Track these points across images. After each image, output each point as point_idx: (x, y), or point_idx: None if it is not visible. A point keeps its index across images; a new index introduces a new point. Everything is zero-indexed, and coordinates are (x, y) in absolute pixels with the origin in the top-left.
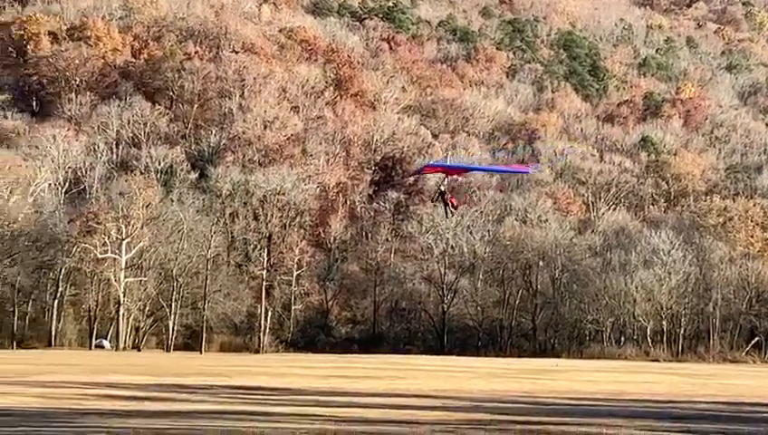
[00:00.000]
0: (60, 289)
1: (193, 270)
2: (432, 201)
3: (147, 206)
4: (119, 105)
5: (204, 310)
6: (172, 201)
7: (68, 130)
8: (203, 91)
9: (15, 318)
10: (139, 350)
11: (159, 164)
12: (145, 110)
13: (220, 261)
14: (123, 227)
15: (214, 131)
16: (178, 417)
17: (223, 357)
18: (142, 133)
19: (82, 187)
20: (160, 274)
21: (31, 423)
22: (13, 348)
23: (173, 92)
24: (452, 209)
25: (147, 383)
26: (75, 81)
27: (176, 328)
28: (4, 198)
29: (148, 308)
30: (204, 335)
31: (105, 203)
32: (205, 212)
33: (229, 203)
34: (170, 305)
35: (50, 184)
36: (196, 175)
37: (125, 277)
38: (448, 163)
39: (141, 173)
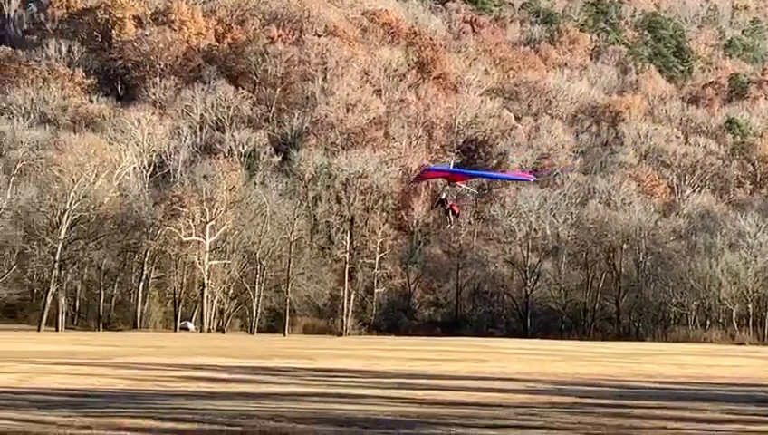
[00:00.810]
0: (145, 272)
1: (276, 253)
2: (433, 207)
3: (230, 189)
4: (202, 89)
5: (287, 293)
6: (255, 184)
7: (152, 113)
8: (286, 74)
9: (102, 300)
10: (224, 332)
11: (243, 147)
12: (228, 93)
13: (303, 244)
14: (207, 210)
15: (297, 115)
16: (263, 399)
17: (306, 339)
18: (226, 117)
19: (167, 170)
20: (244, 256)
21: (117, 404)
22: (99, 330)
23: (256, 76)
24: (453, 217)
25: (231, 365)
26: (159, 65)
27: (259, 311)
28: (90, 181)
29: (231, 291)
30: (287, 318)
31: (189, 186)
32: (288, 195)
33: (312, 186)
34: (254, 288)
35: (135, 167)
36: (280, 158)
37: (209, 260)
38: (450, 168)
39: (225, 157)
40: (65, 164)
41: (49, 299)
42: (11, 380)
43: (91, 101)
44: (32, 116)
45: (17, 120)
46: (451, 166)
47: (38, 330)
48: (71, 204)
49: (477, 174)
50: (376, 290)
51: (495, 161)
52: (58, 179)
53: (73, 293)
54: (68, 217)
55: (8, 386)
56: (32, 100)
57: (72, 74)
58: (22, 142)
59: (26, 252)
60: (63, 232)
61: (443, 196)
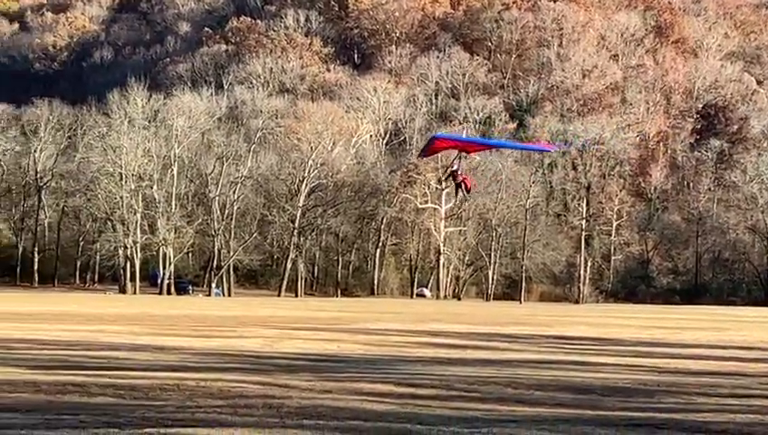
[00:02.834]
0: (381, 239)
1: (512, 220)
2: (442, 180)
3: (465, 156)
4: (438, 57)
5: (523, 260)
6: (491, 151)
7: (388, 81)
8: (521, 40)
9: (339, 267)
10: (459, 299)
11: (478, 114)
12: (463, 61)
13: (539, 211)
14: (443, 177)
15: (532, 81)
16: (500, 365)
17: (542, 307)
18: (461, 84)
19: (403, 138)
20: (479, 223)
21: (356, 369)
22: (337, 296)
23: (491, 43)
24: (464, 192)
25: (467, 332)
26: (395, 33)
27: (495, 277)
28: (328, 149)
29: (467, 258)
30: (523, 285)
31: None
32: (523, 162)
33: (547, 153)
34: (489, 255)
35: (371, 135)
36: (515, 125)
37: (445, 227)
38: (464, 137)
39: (460, 123)
40: (303, 132)
41: (288, 265)
42: (255, 344)
43: (329, 70)
44: (271, 85)
45: (257, 90)
46: (464, 135)
47: (278, 295)
48: (309, 172)
49: (493, 144)
50: (613, 257)
51: (736, 126)
52: (296, 148)
53: (312, 259)
54: (306, 184)
55: (253, 350)
56: (271, 69)
57: (309, 44)
58: (261, 111)
59: (266, 219)
60: (302, 199)
61: (454, 167)
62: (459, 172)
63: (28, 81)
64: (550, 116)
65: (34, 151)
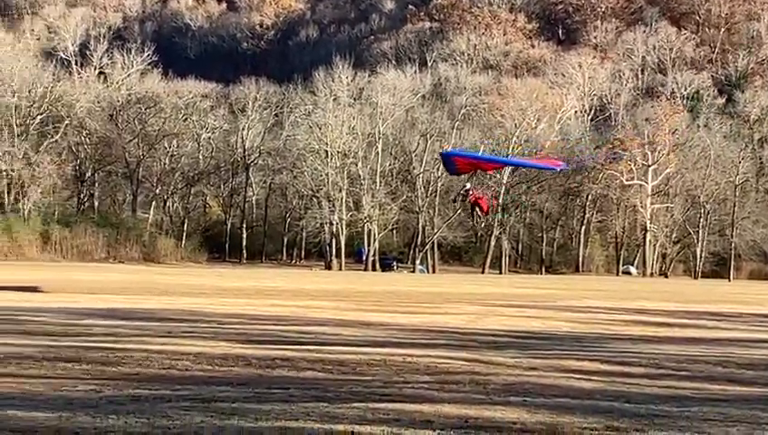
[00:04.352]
0: (586, 216)
1: (720, 197)
2: (453, 201)
3: (673, 132)
4: (644, 31)
5: (732, 237)
6: (699, 127)
7: (593, 57)
8: (730, 14)
9: (544, 244)
10: (666, 276)
11: (685, 90)
12: (671, 35)
13: (748, 187)
14: (649, 153)
15: (741, 55)
16: (709, 344)
17: (753, 285)
18: (668, 59)
19: (608, 114)
20: (687, 200)
21: (562, 346)
22: (542, 273)
23: (699, 16)
24: (480, 214)
25: (675, 310)
26: (600, 8)
27: (703, 255)
28: (532, 125)
29: (674, 235)
30: (732, 263)
31: (630, 130)
32: (732, 138)
33: (758, 128)
34: (697, 232)
35: (576, 111)
36: (723, 100)
37: (651, 204)
38: (479, 155)
39: (667, 99)
40: (507, 109)
41: (492, 242)
42: (460, 321)
43: (533, 46)
44: (474, 62)
45: (460, 67)
46: (480, 152)
47: (482, 272)
48: (513, 148)
49: (506, 162)
50: None
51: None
52: (500, 124)
53: (516, 236)
54: None
55: (458, 327)
56: (474, 46)
57: (513, 20)
58: (465, 88)
59: None
60: (506, 176)
61: (467, 185)
62: (471, 192)
63: (236, 60)
64: (760, 90)
65: (242, 129)
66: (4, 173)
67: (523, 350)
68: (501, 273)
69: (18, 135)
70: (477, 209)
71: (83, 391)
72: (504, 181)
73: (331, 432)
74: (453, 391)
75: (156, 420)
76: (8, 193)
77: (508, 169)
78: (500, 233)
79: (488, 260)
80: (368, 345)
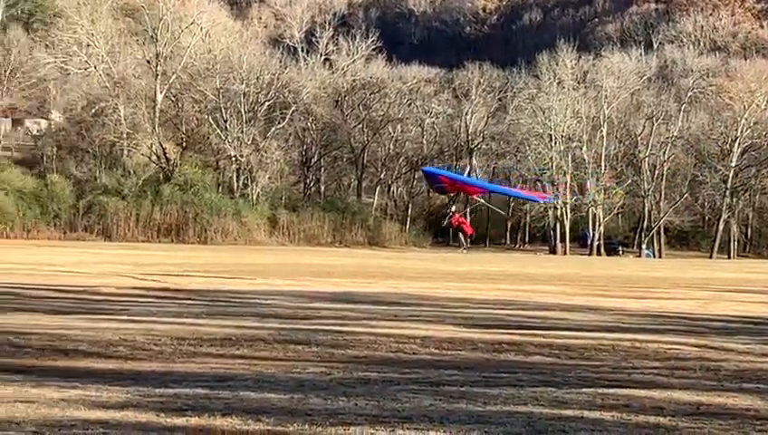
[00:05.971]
0: None
1: None
2: (443, 225)
3: None
4: None
5: None
6: None
7: None
8: None
9: None
10: None
11: None
12: None
13: None
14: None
15: None
16: None
17: None
18: None
19: None
20: None
21: None
22: None
23: None
24: (464, 239)
25: None
26: None
27: None
28: (762, 108)
29: None
30: None
31: None
32: None
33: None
34: None
35: None
36: None
37: None
38: (465, 178)
39: None
40: (736, 91)
41: (720, 226)
42: (689, 306)
43: (762, 27)
44: (701, 43)
45: (687, 49)
46: (466, 174)
47: (710, 257)
48: (742, 131)
49: (492, 189)
50: None
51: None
52: (728, 106)
53: (745, 220)
54: (739, 144)
55: (687, 312)
56: (701, 27)
57: (742, 1)
58: (692, 70)
59: (698, 179)
60: (735, 159)
61: (452, 208)
62: (452, 215)
63: (459, 44)
64: None
65: (465, 114)
66: (234, 159)
67: (755, 336)
68: (729, 257)
69: (246, 121)
70: (460, 234)
71: (314, 373)
72: (733, 164)
73: (560, 417)
74: (683, 377)
75: (385, 402)
76: (237, 178)
77: (737, 151)
78: (728, 217)
79: (716, 244)
80: (595, 330)
